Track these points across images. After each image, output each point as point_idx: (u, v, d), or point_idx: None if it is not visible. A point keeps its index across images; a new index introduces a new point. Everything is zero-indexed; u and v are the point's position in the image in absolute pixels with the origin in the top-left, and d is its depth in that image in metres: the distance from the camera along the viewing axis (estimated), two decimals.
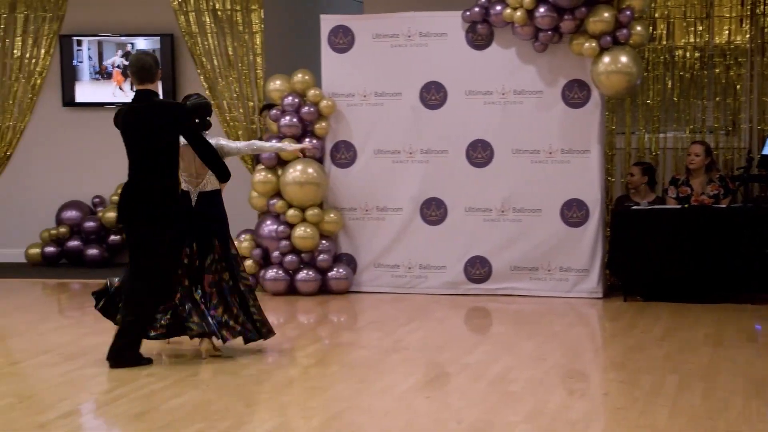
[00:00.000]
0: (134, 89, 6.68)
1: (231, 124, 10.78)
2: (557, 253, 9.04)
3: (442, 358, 6.90)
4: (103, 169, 11.34)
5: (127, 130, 6.55)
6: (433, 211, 9.29)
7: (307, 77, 9.57)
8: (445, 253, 9.24)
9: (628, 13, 8.69)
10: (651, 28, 9.48)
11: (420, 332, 7.73)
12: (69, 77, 11.18)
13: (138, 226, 6.48)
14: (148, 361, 6.61)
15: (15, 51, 11.22)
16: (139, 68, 6.54)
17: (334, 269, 9.36)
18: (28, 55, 11.23)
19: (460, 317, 8.57)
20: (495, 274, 9.17)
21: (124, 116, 6.58)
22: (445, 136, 9.20)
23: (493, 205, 9.15)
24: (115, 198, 11.01)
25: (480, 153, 9.17)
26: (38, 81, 11.29)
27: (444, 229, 9.26)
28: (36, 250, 11.20)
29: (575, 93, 8.95)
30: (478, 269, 9.21)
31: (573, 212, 9.01)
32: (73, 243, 11.14)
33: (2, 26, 11.20)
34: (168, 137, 6.49)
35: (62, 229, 11.12)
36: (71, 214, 11.21)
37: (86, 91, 11.18)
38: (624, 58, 8.65)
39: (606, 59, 8.69)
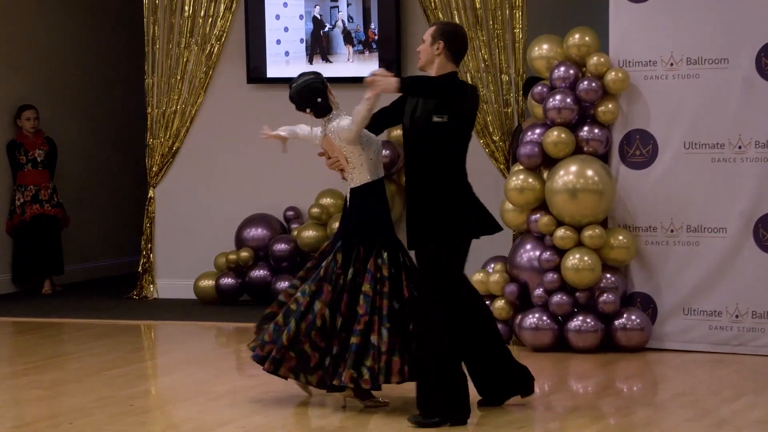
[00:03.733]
0: None
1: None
2: None
3: None
4: (299, 172, 11.47)
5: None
6: None
7: (587, 38, 9.51)
8: None
9: None
10: None
11: (755, 412, 7.48)
12: (257, 44, 11.43)
13: None
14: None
15: (186, 7, 11.60)
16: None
17: (624, 316, 9.22)
18: (203, 14, 11.56)
19: None
20: None
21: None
22: None
23: None
24: (316, 211, 11.14)
25: None
26: (216, 49, 11.62)
27: None
28: (208, 282, 11.48)
29: None
30: None
31: None
32: (259, 273, 11.34)
33: None
34: None
35: (244, 254, 11.36)
36: (256, 232, 11.45)
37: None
38: None
39: None
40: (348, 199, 7.64)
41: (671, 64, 9.24)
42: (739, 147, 9.09)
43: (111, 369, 8.84)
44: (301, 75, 7.75)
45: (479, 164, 10.96)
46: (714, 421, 7.19)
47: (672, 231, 9.27)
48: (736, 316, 9.10)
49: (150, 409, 7.81)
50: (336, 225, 11.02)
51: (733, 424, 7.14)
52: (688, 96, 9.20)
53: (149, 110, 11.82)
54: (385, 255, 7.38)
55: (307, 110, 7.66)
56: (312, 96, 7.60)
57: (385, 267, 7.35)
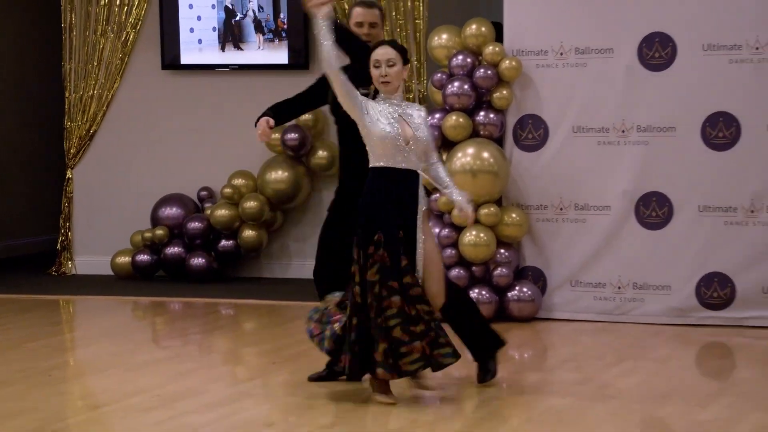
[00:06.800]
0: None
1: None
2: None
3: (665, 413, 6.78)
4: (212, 154, 11.55)
5: None
6: (654, 210, 9.20)
7: (483, 29, 9.58)
8: (669, 267, 9.16)
9: None
10: None
11: (635, 376, 7.63)
12: (171, 32, 11.45)
13: None
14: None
15: None
16: None
17: (516, 288, 9.35)
18: (118, 2, 11.54)
19: (691, 356, 8.46)
20: (740, 297, 9.04)
21: None
22: (672, 107, 9.12)
23: (739, 202, 9.02)
24: (228, 191, 11.18)
25: (722, 131, 9.03)
26: (131, 36, 11.61)
27: (669, 236, 9.18)
28: (125, 259, 11.48)
29: None
30: (715, 291, 9.08)
31: None
32: (173, 250, 11.36)
33: None
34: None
35: (159, 232, 11.37)
36: (171, 211, 11.44)
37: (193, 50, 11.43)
38: None
39: None
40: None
41: (561, 54, 9.35)
42: (623, 131, 9.22)
43: (31, 342, 8.81)
44: None
45: None
46: (598, 384, 7.32)
47: (561, 209, 9.39)
48: (619, 288, 9.26)
49: (68, 380, 7.80)
50: (252, 204, 11.15)
51: (615, 386, 7.26)
52: (576, 83, 9.31)
53: (67, 95, 11.75)
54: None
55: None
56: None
57: None
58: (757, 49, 8.91)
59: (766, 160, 8.95)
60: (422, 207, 6.88)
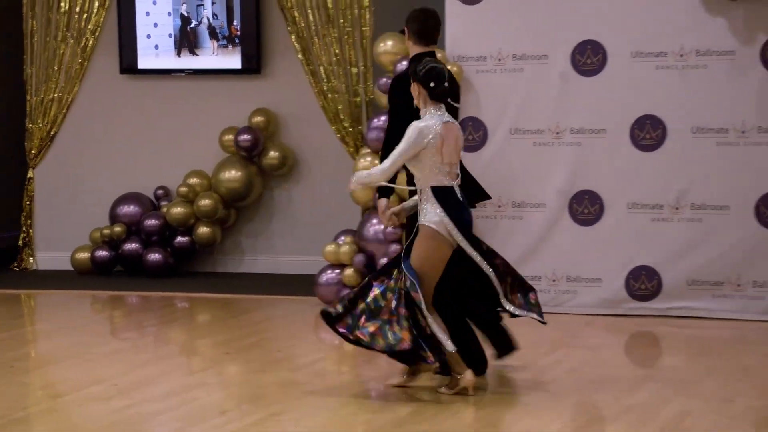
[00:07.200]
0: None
1: (329, 96, 10.92)
2: (750, 263, 8.99)
3: (596, 398, 6.91)
4: (168, 154, 11.60)
5: None
6: (586, 207, 9.33)
7: None
8: (600, 261, 9.28)
9: None
10: None
11: (568, 363, 7.75)
12: (129, 38, 11.47)
13: None
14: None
15: (62, 3, 11.56)
16: None
17: None
18: (78, 9, 11.55)
19: (620, 345, 8.59)
20: (666, 289, 9.17)
21: None
22: (603, 110, 9.25)
23: (665, 200, 9.15)
24: (183, 189, 11.23)
25: (649, 132, 9.17)
26: (90, 42, 11.62)
27: (600, 231, 9.30)
28: (84, 255, 11.48)
29: None
30: (643, 283, 9.22)
31: None
32: (131, 246, 11.39)
33: None
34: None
35: (117, 229, 11.39)
36: (129, 209, 11.47)
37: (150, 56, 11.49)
38: None
39: None
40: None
41: (499, 60, 9.45)
42: (557, 133, 9.33)
43: None
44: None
45: (331, 147, 11.13)
46: (534, 372, 7.45)
47: (499, 206, 9.46)
48: (554, 281, 9.37)
49: (30, 370, 7.83)
50: (206, 202, 11.20)
51: (551, 373, 7.40)
52: (513, 88, 9.40)
53: (28, 98, 11.74)
54: None
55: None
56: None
57: None
58: (681, 56, 9.07)
59: (690, 160, 9.09)
60: (421, 221, 6.87)
